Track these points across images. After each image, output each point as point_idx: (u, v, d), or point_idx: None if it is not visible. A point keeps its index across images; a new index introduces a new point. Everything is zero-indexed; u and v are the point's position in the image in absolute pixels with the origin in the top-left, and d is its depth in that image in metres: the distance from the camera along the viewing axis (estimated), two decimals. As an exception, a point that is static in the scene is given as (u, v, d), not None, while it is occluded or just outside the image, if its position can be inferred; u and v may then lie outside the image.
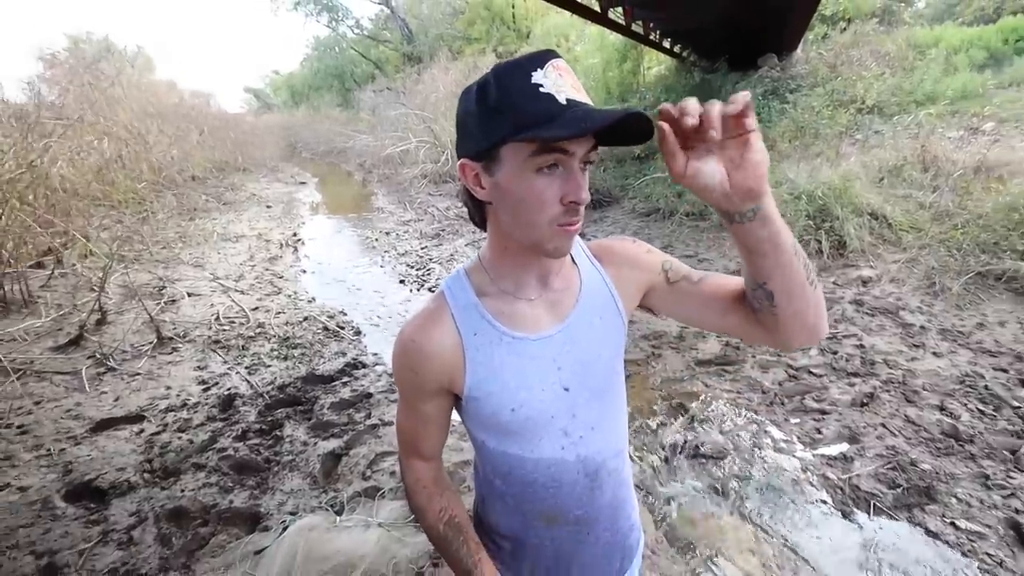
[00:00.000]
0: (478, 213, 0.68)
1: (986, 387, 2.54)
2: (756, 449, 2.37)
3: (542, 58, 0.57)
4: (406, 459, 0.79)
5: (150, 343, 3.50)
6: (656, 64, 10.52)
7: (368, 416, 2.70)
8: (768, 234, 0.56)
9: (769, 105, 7.33)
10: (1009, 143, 4.99)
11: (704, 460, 2.32)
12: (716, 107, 0.51)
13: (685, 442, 2.42)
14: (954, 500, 1.98)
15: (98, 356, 3.31)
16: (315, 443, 2.49)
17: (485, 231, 0.70)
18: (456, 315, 0.69)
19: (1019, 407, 2.39)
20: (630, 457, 0.83)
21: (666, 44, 8.97)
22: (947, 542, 1.83)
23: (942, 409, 2.44)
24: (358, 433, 2.56)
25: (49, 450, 2.44)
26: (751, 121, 0.52)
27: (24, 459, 2.38)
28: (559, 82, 0.56)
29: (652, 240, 5.16)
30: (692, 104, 0.51)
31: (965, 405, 2.44)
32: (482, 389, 0.68)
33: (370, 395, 2.89)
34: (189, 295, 4.41)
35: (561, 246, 0.62)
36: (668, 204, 5.59)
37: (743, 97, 0.51)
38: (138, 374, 3.15)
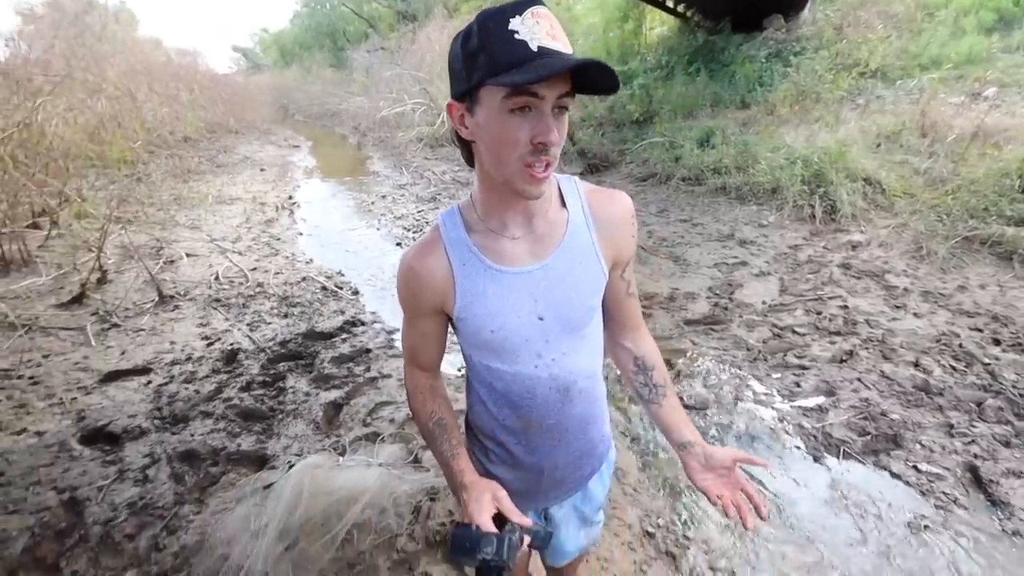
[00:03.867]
0: (466, 152, 0.74)
1: (960, 345, 2.66)
2: (737, 401, 2.50)
3: (524, 4, 0.60)
4: (408, 368, 0.91)
5: (152, 301, 3.58)
6: (659, 24, 10.21)
7: (367, 370, 2.81)
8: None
9: (772, 68, 7.20)
10: (1010, 109, 4.96)
11: (687, 411, 2.45)
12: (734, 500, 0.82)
13: (670, 394, 2.55)
14: (918, 446, 2.12)
15: (101, 313, 3.39)
16: (317, 394, 2.60)
17: (474, 167, 0.75)
18: (448, 247, 0.78)
19: (989, 364, 2.51)
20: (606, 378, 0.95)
21: (669, 3, 8.71)
22: (908, 482, 1.98)
23: (916, 365, 2.56)
24: (358, 385, 2.68)
25: (61, 399, 2.55)
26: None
27: (38, 407, 2.49)
28: (535, 28, 0.60)
29: (648, 204, 5.20)
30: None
31: (938, 361, 2.57)
32: (468, 311, 0.78)
33: (369, 350, 3.00)
34: (187, 256, 4.46)
35: (529, 188, 0.68)
36: (665, 169, 5.59)
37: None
38: (142, 330, 3.24)
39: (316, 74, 20.89)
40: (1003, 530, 1.77)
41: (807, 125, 5.41)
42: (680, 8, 9.30)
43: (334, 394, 2.59)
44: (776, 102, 6.24)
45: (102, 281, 3.83)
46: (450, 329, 0.87)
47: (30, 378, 2.71)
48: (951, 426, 2.19)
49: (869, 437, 2.19)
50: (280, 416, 2.45)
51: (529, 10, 0.60)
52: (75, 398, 2.57)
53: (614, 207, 0.83)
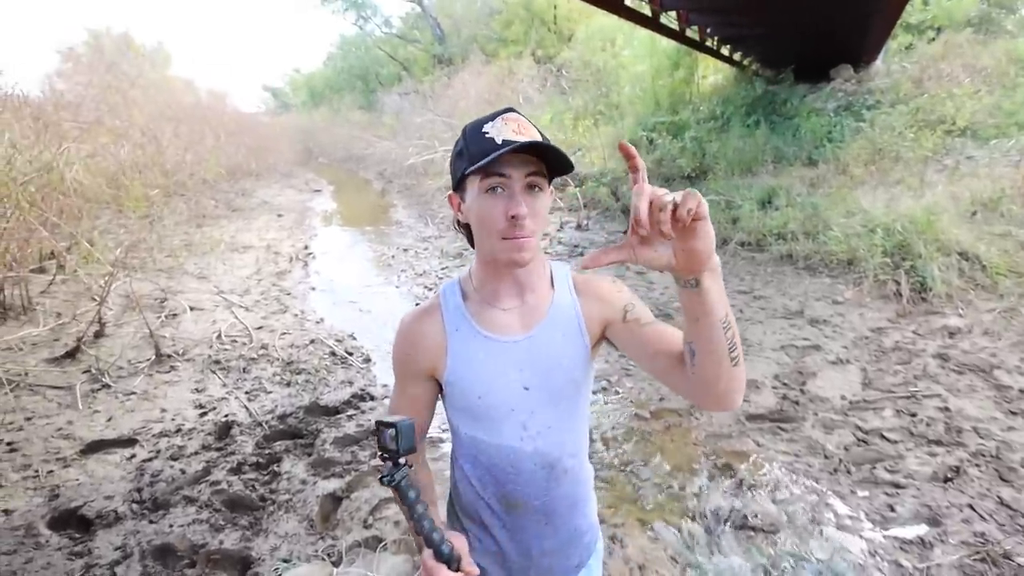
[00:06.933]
0: (468, 235, 0.92)
1: (1100, 468, 2.40)
2: (815, 524, 2.29)
3: (497, 113, 0.83)
4: None
5: (148, 360, 3.68)
6: (712, 73, 10.59)
7: (374, 455, 2.75)
8: (701, 303, 0.67)
9: (842, 123, 7.27)
10: None
11: (753, 533, 2.26)
12: (643, 208, 0.57)
13: (731, 510, 2.37)
14: (1057, 604, 1.87)
15: (94, 371, 3.50)
16: (314, 482, 2.55)
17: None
18: (445, 313, 0.93)
19: None
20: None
21: (724, 51, 9.05)
22: (1047, 656, 1.73)
23: (1044, 492, 2.32)
24: (361, 474, 2.61)
25: (37, 471, 2.58)
26: (695, 214, 0.57)
27: (11, 479, 2.52)
28: (502, 128, 0.80)
29: (701, 271, 5.14)
30: (642, 210, 0.58)
31: (1073, 489, 2.32)
32: (457, 374, 0.91)
33: (377, 432, 2.95)
34: (191, 309, 4.62)
35: (512, 256, 0.82)
36: (721, 231, 5.56)
37: (688, 198, 0.57)
38: (133, 393, 3.31)
39: (344, 116, 22.41)
40: None
41: (886, 188, 5.35)
42: (737, 56, 9.66)
43: (333, 484, 2.53)
44: (848, 160, 6.24)
45: (100, 334, 3.98)
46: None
47: (8, 444, 2.77)
48: (1099, 579, 1.93)
49: (990, 587, 1.95)
50: (271, 508, 2.39)
51: (500, 116, 0.83)
52: (52, 471, 2.59)
53: (593, 282, 0.97)
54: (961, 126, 6.33)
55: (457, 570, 0.79)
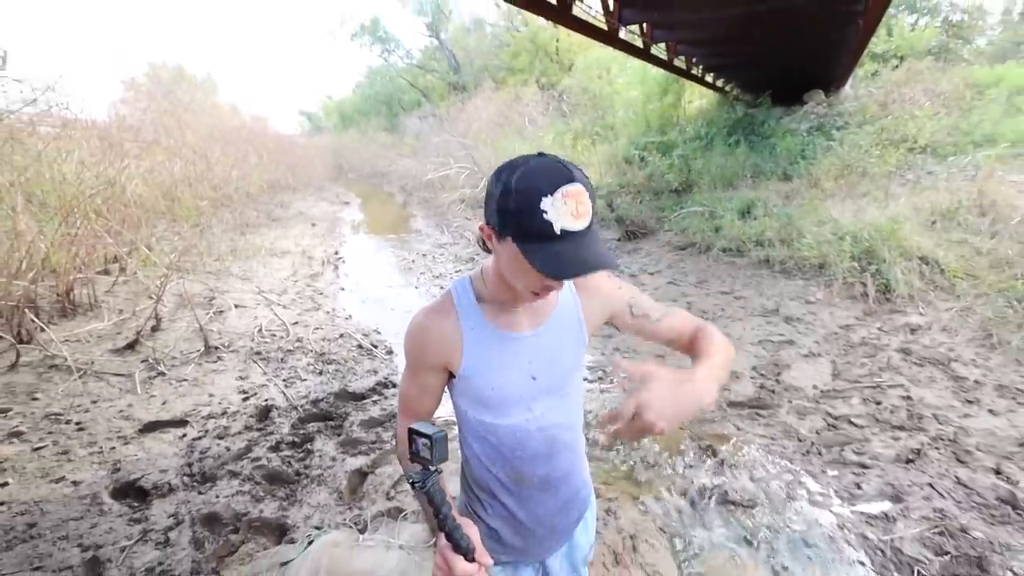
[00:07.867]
0: (487, 250, 0.89)
1: (1049, 452, 2.36)
2: (789, 500, 2.27)
3: (556, 181, 0.71)
4: (402, 417, 0.98)
5: (198, 351, 3.71)
6: (697, 98, 10.53)
7: (396, 436, 2.76)
8: None
9: (814, 142, 7.21)
10: (1078, 189, 4.71)
11: (733, 507, 2.25)
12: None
13: (714, 487, 2.35)
14: (1010, 574, 1.83)
15: (151, 361, 3.53)
16: (343, 459, 2.56)
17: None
18: (459, 311, 0.91)
19: (1087, 477, 2.20)
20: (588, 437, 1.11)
21: (708, 78, 9.00)
22: (1000, 620, 1.70)
23: (998, 472, 2.28)
24: (384, 452, 2.62)
25: (101, 448, 2.61)
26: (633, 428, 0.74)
27: (79, 455, 2.56)
28: (561, 210, 0.71)
29: (687, 275, 5.11)
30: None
31: (1024, 470, 2.28)
32: (473, 369, 0.90)
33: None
34: (236, 307, 4.65)
35: (534, 303, 0.88)
36: (705, 239, 5.53)
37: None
38: (185, 380, 3.34)
39: (371, 137, 22.49)
40: None
41: (854, 200, 5.29)
42: (719, 83, 9.60)
43: (360, 461, 2.54)
44: (820, 175, 6.18)
45: (156, 329, 4.02)
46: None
47: (77, 423, 2.80)
48: (1048, 552, 1.89)
49: (948, 557, 1.92)
50: (305, 481, 2.41)
51: (560, 190, 0.70)
52: (114, 447, 2.62)
53: (593, 279, 0.97)
54: (922, 144, 6.25)
55: (472, 560, 0.78)
